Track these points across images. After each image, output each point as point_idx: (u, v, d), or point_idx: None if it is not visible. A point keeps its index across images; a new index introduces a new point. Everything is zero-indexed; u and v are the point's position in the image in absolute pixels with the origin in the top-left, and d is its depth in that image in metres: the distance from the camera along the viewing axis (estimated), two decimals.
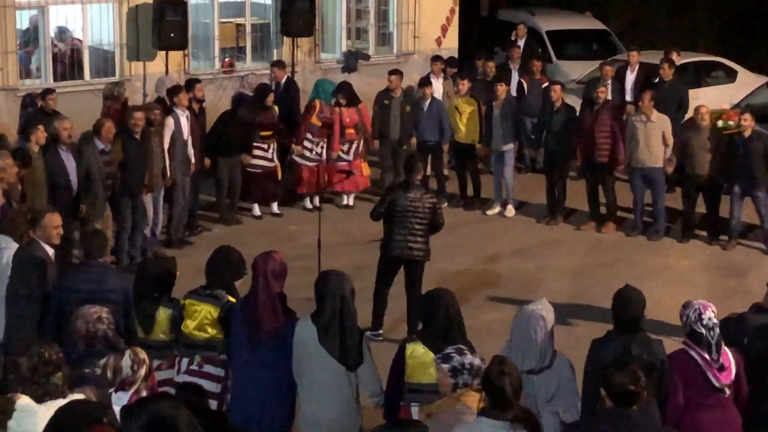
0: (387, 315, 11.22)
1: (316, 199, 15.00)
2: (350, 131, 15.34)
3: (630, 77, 17.13)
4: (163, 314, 7.84)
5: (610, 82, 16.31)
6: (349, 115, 15.32)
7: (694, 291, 12.08)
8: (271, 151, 15.01)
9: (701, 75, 18.83)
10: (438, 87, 16.45)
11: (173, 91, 14.14)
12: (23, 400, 5.98)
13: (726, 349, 7.09)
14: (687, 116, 15.58)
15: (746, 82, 18.70)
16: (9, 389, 6.19)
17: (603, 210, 14.95)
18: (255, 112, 14.77)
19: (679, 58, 17.73)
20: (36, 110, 14.04)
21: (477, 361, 6.35)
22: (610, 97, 15.46)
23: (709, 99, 17.30)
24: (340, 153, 15.31)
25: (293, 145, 15.20)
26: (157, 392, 6.74)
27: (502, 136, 15.23)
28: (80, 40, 17.22)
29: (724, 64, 19.46)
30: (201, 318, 7.70)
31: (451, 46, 19.97)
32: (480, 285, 12.69)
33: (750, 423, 7.23)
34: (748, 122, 13.80)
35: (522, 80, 17.06)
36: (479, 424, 5.99)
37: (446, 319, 7.02)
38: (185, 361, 7.68)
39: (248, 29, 18.63)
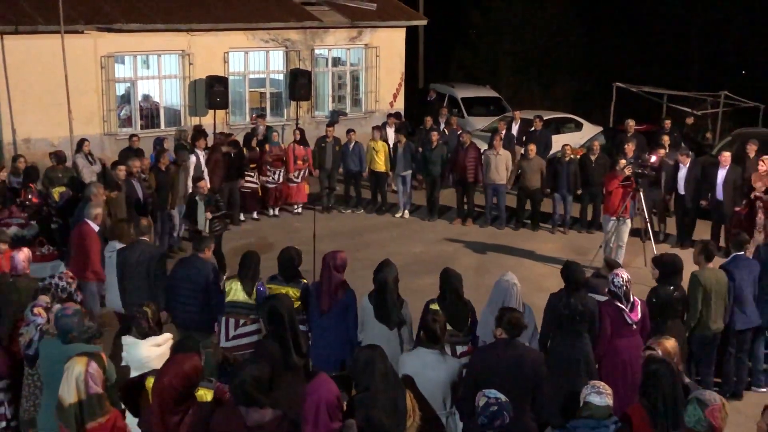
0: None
1: (277, 209, 15.03)
2: (300, 162, 14.95)
3: (515, 128, 17.21)
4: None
5: (503, 130, 16.20)
6: (299, 151, 14.97)
7: (558, 264, 12.02)
8: (255, 177, 14.68)
9: (560, 126, 18.79)
10: (390, 134, 16.17)
11: (195, 137, 13.89)
12: (129, 338, 6.02)
13: (636, 299, 7.07)
14: (549, 153, 15.71)
15: (588, 130, 18.74)
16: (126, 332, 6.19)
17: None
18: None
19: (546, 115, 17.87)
20: (128, 147, 13.84)
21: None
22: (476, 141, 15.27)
23: (564, 141, 17.86)
24: (293, 177, 14.95)
25: (258, 176, 14.74)
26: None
27: (402, 165, 15.06)
28: (158, 102, 17.37)
29: (574, 119, 19.42)
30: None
31: (399, 107, 20.12)
32: (416, 261, 12.54)
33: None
34: (569, 152, 14.24)
35: (445, 129, 16.69)
36: (418, 351, 5.95)
37: (455, 292, 7.06)
38: None
39: (268, 96, 18.77)
